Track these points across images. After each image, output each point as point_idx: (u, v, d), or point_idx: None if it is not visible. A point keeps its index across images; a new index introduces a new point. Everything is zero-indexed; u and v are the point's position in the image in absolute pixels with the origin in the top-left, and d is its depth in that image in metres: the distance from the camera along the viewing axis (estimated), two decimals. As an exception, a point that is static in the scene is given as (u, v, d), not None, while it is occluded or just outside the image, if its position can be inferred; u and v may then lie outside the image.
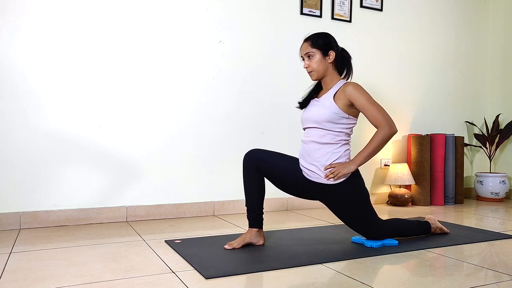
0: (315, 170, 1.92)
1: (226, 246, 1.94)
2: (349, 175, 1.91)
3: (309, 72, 2.02)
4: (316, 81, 2.12)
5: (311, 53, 1.98)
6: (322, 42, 1.98)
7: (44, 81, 2.48)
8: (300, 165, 1.99)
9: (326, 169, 1.91)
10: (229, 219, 2.75)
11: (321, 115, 1.92)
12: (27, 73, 2.45)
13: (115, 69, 2.65)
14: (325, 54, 1.98)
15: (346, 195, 1.91)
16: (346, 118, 1.93)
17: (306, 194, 2.02)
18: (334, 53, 1.99)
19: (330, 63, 2.00)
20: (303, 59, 2.03)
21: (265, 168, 1.98)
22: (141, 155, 2.72)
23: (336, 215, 2.00)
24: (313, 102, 2.05)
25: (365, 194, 1.95)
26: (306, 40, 2.02)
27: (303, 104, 2.09)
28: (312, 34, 2.02)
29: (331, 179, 1.90)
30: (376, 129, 1.90)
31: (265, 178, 2.03)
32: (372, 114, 1.88)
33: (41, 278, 1.53)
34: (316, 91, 2.11)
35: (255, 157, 1.99)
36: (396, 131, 1.90)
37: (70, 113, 2.54)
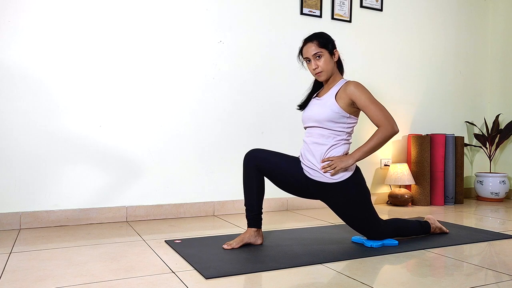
0: (316, 168, 1.93)
1: (225, 246, 1.94)
2: (347, 169, 1.90)
3: (318, 73, 1.97)
4: (315, 81, 2.12)
5: (320, 53, 1.94)
6: (328, 42, 1.97)
7: (44, 81, 2.48)
8: (302, 164, 1.99)
9: (323, 161, 1.91)
10: (229, 219, 2.75)
11: (322, 115, 1.92)
12: (27, 73, 2.45)
13: (115, 69, 2.65)
14: (331, 53, 1.97)
15: (348, 194, 1.91)
16: (347, 117, 1.93)
17: (307, 193, 2.02)
18: (337, 52, 2.00)
19: (335, 62, 2.00)
20: (308, 61, 1.99)
21: (266, 168, 1.98)
22: (141, 155, 2.72)
23: (337, 214, 2.00)
24: (314, 101, 2.04)
25: (366, 193, 1.95)
26: (309, 40, 1.97)
27: (303, 106, 2.09)
28: (314, 35, 1.98)
29: (329, 173, 1.90)
30: (377, 128, 1.90)
31: (265, 178, 2.03)
32: (374, 113, 1.88)
33: (41, 278, 1.53)
34: (315, 90, 2.11)
35: (255, 156, 1.98)
36: (398, 131, 1.89)
37: (71, 113, 2.54)
